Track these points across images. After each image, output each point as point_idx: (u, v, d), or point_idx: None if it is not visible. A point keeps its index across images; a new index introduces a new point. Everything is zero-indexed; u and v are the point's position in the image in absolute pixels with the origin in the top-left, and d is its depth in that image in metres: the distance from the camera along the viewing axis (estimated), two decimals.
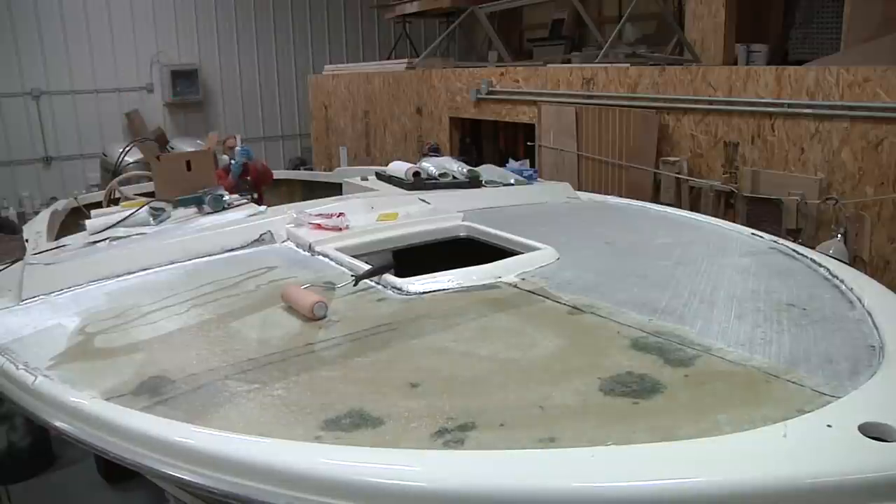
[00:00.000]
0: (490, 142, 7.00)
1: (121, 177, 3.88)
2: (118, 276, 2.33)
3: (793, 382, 1.39)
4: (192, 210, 3.01)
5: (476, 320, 1.83)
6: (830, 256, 2.40)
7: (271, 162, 10.23)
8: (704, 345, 1.59)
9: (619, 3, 7.98)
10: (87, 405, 1.48)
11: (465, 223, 2.78)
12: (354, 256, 2.37)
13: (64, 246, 2.66)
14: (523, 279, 2.09)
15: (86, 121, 8.97)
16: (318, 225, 2.63)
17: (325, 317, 1.86)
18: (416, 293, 2.01)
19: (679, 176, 4.46)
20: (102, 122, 9.06)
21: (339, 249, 2.42)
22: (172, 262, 2.42)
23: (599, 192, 3.92)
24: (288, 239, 2.63)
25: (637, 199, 3.50)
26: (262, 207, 2.99)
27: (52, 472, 3.36)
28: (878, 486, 1.08)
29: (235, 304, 2.04)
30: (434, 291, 2.01)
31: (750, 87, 4.09)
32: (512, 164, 4.13)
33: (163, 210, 2.91)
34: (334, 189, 4.05)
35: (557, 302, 1.90)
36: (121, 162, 4.92)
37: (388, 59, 9.23)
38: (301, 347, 1.70)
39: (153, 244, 2.54)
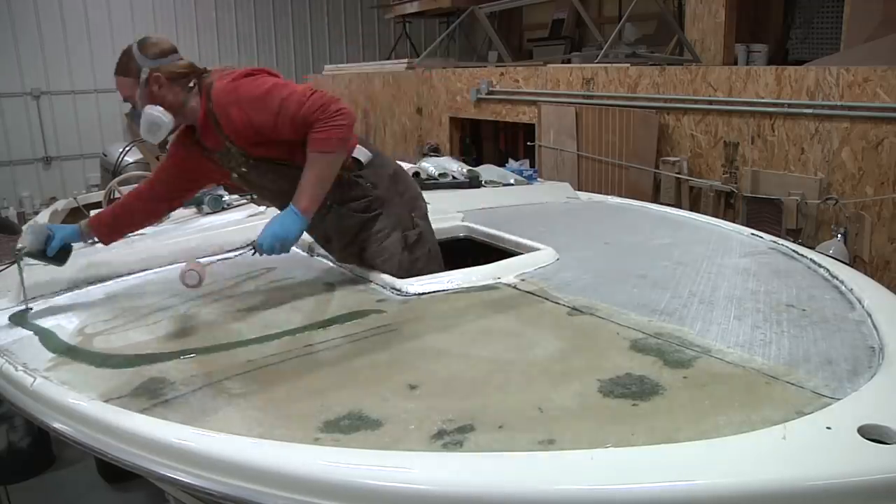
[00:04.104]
0: (490, 142, 7.01)
1: (121, 177, 3.88)
2: (118, 276, 2.33)
3: (792, 384, 1.39)
4: (192, 210, 3.01)
5: (475, 321, 1.83)
6: (830, 256, 2.39)
7: None
8: (704, 346, 1.59)
9: (619, 3, 7.98)
10: (85, 407, 1.48)
11: (465, 223, 2.78)
12: None
13: None
14: (523, 280, 2.09)
15: (86, 121, 8.97)
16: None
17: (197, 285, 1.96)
18: (415, 294, 2.01)
19: (679, 176, 4.46)
20: (102, 122, 9.06)
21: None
22: (172, 263, 2.42)
23: (599, 192, 3.92)
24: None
25: (637, 199, 3.50)
26: (262, 208, 2.99)
27: (52, 472, 3.36)
28: (878, 488, 1.08)
29: (234, 306, 2.03)
30: (433, 292, 2.01)
31: (750, 87, 4.09)
32: (512, 164, 4.14)
33: None
34: None
35: (557, 303, 1.90)
36: (121, 162, 4.93)
37: (388, 59, 9.23)
38: (300, 349, 1.70)
39: (153, 244, 2.54)
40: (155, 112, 2.11)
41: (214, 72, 2.20)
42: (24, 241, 2.18)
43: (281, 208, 2.24)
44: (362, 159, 2.23)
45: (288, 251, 2.11)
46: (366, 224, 2.24)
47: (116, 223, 2.32)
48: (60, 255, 2.20)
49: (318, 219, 2.17)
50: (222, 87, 2.10)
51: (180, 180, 2.33)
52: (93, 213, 3.10)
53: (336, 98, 2.07)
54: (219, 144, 2.17)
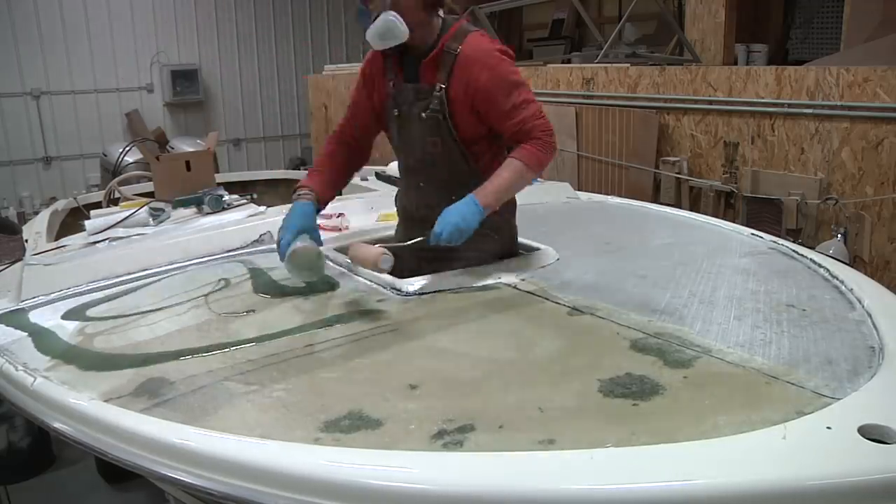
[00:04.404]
0: None
1: (121, 177, 3.88)
2: (118, 276, 2.33)
3: (792, 384, 1.39)
4: (192, 210, 3.01)
5: (475, 321, 1.83)
6: (830, 256, 2.39)
7: (271, 162, 10.26)
8: (704, 346, 1.59)
9: (619, 3, 7.98)
10: (85, 407, 1.48)
11: None
12: None
13: (64, 246, 2.66)
14: (523, 280, 2.09)
15: (86, 121, 8.96)
16: (318, 225, 2.63)
17: (390, 269, 1.95)
18: (415, 294, 2.01)
19: (679, 176, 4.46)
20: (102, 122, 9.05)
21: (338, 250, 2.42)
22: (172, 263, 2.42)
23: (599, 192, 3.92)
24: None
25: (637, 199, 3.50)
26: (262, 208, 2.99)
27: (52, 472, 3.36)
28: (878, 488, 1.08)
29: (235, 306, 2.04)
30: (433, 292, 2.01)
31: (750, 87, 4.09)
32: None
33: (162, 210, 2.91)
34: None
35: (557, 303, 1.90)
36: (121, 162, 4.93)
37: None
38: (300, 349, 1.70)
39: (153, 245, 2.54)
40: (396, 20, 2.06)
41: (465, 21, 2.21)
42: (304, 263, 2.07)
43: (411, 167, 2.31)
44: None
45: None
46: (481, 240, 2.15)
47: (331, 184, 2.34)
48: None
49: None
50: (483, 47, 2.12)
51: (369, 115, 2.33)
52: (92, 212, 3.11)
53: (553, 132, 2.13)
54: (429, 81, 2.16)
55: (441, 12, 2.18)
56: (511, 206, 2.34)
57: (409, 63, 2.22)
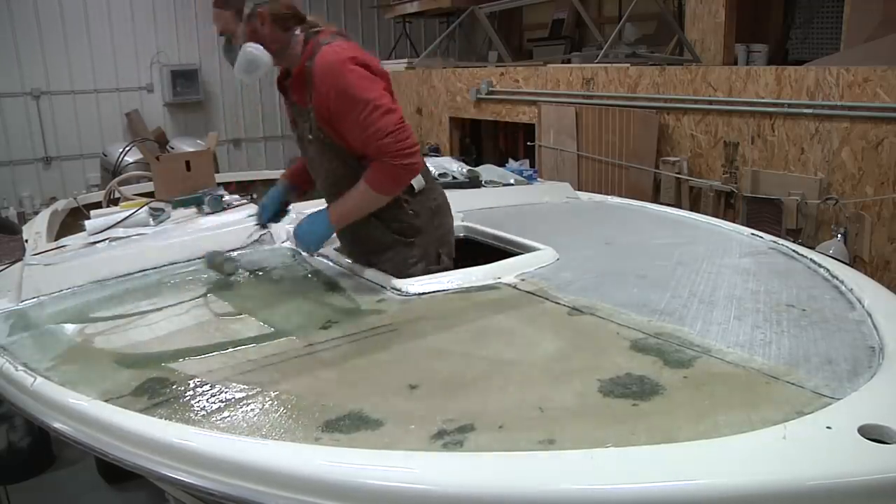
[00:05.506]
0: (490, 142, 7.01)
1: (121, 177, 3.89)
2: (118, 276, 2.33)
3: (792, 384, 1.39)
4: (192, 210, 3.01)
5: (475, 321, 1.83)
6: (830, 256, 2.39)
7: (271, 162, 10.25)
8: (704, 346, 1.58)
9: (619, 3, 7.98)
10: (85, 407, 1.48)
11: (465, 223, 2.78)
12: None
13: (64, 246, 2.66)
14: (523, 280, 2.09)
15: (86, 121, 8.95)
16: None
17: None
18: (415, 294, 2.01)
19: (679, 176, 4.46)
20: (102, 122, 9.04)
21: (338, 250, 2.42)
22: (172, 263, 2.42)
23: (599, 192, 3.92)
24: (288, 239, 2.63)
25: (637, 199, 3.50)
26: None
27: (52, 472, 3.36)
28: (878, 488, 1.08)
29: (234, 306, 2.03)
30: (433, 292, 2.01)
31: (750, 87, 4.09)
32: (512, 164, 4.14)
33: (162, 210, 2.91)
34: None
35: (557, 303, 1.90)
36: (121, 162, 4.93)
37: (388, 59, 9.22)
38: (300, 349, 1.70)
39: (153, 245, 2.54)
40: (255, 50, 2.09)
41: (324, 31, 2.16)
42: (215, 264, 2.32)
43: (321, 187, 2.33)
44: (416, 186, 2.25)
45: (310, 253, 2.27)
46: (396, 246, 2.26)
47: (305, 172, 2.44)
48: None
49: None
50: (328, 61, 2.05)
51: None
52: (92, 212, 3.11)
53: (415, 147, 2.06)
54: (302, 101, 2.17)
55: (299, 30, 2.15)
56: (435, 208, 2.33)
57: (290, 84, 2.22)
